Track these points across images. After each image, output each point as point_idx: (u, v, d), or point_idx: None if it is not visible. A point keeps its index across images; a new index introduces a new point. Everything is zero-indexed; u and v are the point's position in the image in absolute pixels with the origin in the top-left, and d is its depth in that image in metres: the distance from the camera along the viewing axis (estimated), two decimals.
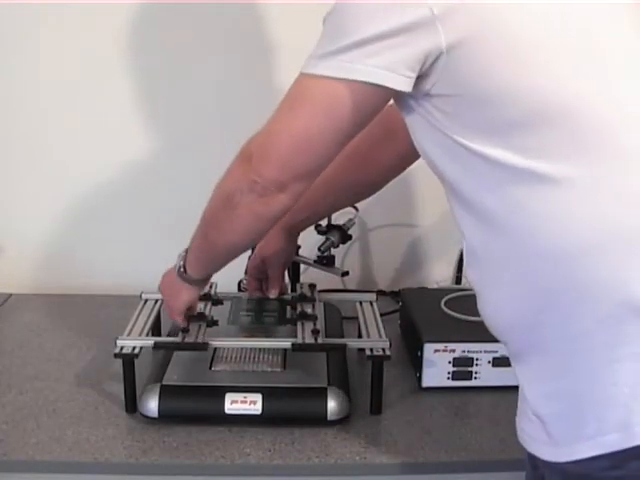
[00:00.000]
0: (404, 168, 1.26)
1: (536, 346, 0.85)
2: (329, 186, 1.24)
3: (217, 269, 1.14)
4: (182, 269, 1.16)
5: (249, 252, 1.37)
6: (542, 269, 0.82)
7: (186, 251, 1.16)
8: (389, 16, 0.79)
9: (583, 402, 0.82)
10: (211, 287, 1.41)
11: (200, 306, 1.32)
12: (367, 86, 0.82)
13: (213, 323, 1.29)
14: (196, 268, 1.15)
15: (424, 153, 0.91)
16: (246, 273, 1.42)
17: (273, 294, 1.38)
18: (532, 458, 0.88)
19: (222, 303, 1.40)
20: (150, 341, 1.25)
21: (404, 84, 0.82)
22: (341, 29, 0.82)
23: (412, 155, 1.20)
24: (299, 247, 1.53)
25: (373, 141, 1.20)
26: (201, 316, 1.28)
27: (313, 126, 0.87)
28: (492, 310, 0.90)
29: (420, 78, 0.83)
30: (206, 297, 1.37)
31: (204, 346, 1.21)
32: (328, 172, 1.25)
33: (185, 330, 1.23)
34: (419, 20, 0.78)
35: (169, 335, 1.33)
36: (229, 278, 1.39)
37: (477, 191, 0.85)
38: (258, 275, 1.38)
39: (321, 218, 1.36)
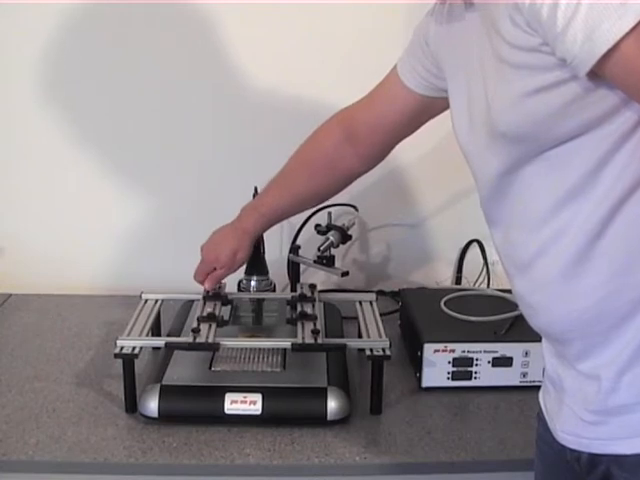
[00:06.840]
0: (364, 172, 1.24)
1: (625, 332, 0.78)
2: (294, 194, 1.25)
3: None
4: None
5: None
6: None
7: None
8: None
9: None
10: (220, 287, 1.40)
11: (210, 306, 1.32)
12: None
13: (223, 323, 1.29)
14: None
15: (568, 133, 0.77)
16: (246, 273, 1.43)
17: (208, 286, 1.33)
18: (591, 460, 0.82)
19: (232, 303, 1.39)
20: (160, 341, 1.25)
21: None
22: None
23: (372, 158, 1.21)
24: (299, 247, 1.53)
25: (334, 146, 1.20)
26: (211, 316, 1.27)
27: None
28: (575, 304, 0.81)
29: None
30: (216, 297, 1.37)
31: (216, 346, 1.20)
32: (293, 181, 1.25)
33: (195, 330, 1.22)
34: None
35: (169, 335, 1.33)
36: (229, 278, 1.39)
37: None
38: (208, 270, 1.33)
39: (279, 221, 1.34)
